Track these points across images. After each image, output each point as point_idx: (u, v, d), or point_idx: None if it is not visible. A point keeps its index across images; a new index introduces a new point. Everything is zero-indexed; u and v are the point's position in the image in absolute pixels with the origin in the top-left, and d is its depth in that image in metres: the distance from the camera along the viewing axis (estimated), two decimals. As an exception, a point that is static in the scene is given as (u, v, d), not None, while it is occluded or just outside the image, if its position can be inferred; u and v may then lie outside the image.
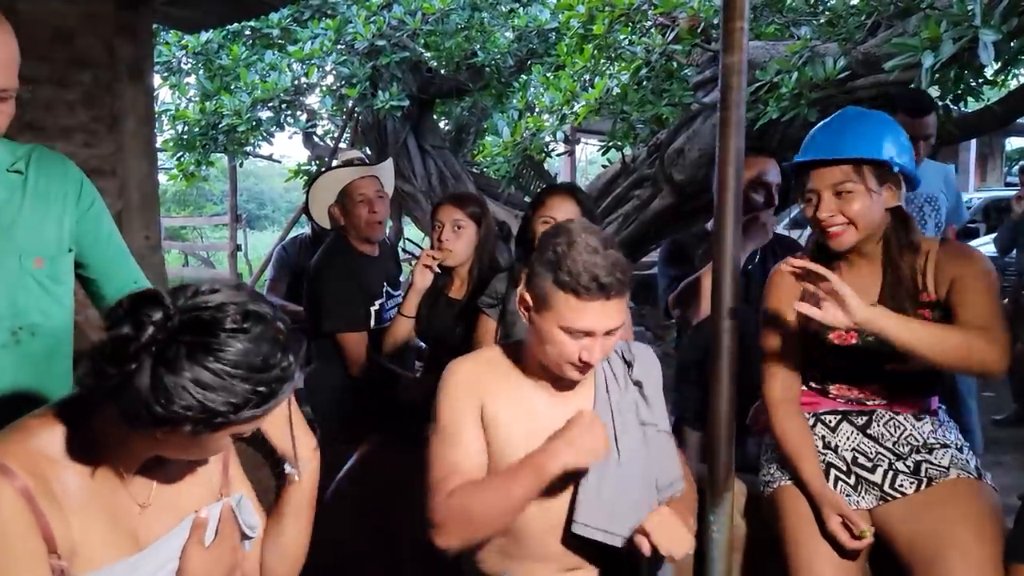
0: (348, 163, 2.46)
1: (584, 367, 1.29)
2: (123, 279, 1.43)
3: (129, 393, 0.85)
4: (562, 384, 1.38)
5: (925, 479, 1.50)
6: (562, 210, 1.94)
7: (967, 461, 1.52)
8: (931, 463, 1.51)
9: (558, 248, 1.27)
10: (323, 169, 2.46)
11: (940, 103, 3.66)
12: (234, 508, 1.08)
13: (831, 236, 1.49)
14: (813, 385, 1.64)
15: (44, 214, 1.32)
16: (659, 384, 1.48)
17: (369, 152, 7.27)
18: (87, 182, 1.41)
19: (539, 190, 2.15)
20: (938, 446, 1.53)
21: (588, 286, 1.23)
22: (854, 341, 1.54)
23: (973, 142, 11.74)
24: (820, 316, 1.36)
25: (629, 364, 1.45)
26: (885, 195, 1.48)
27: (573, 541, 1.39)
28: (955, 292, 1.45)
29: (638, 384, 1.44)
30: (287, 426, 1.11)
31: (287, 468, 1.13)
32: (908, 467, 1.51)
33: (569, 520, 1.38)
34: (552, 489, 1.36)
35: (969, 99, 3.64)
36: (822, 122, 1.59)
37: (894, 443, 1.54)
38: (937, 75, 3.11)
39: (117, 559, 0.96)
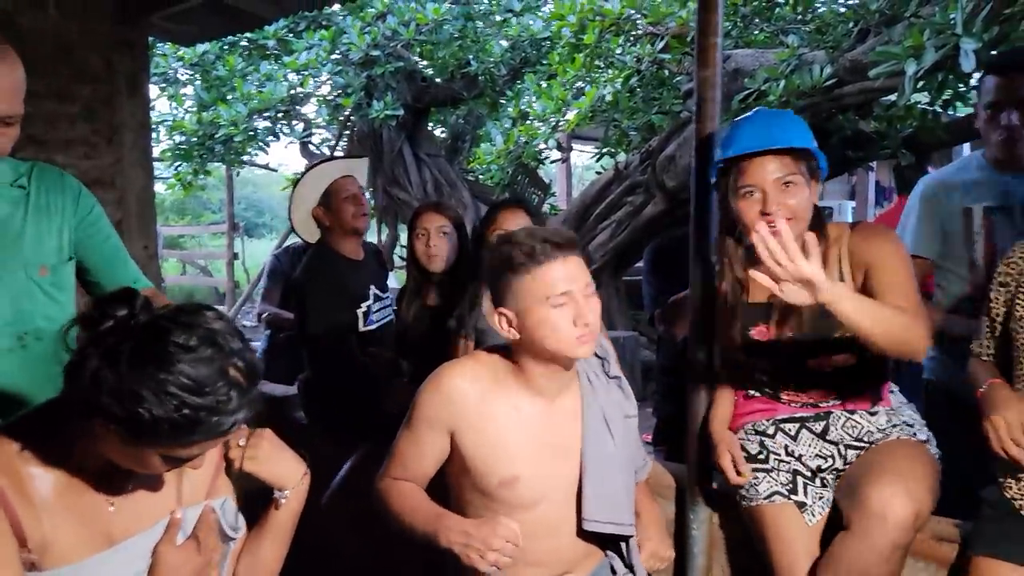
0: (322, 161, 2.49)
1: (587, 333, 1.29)
2: (123, 280, 1.48)
3: (77, 375, 0.90)
4: (550, 389, 1.41)
5: (869, 444, 1.53)
6: (513, 222, 1.96)
7: (914, 434, 1.53)
8: (880, 437, 1.53)
9: (502, 249, 1.31)
10: (299, 176, 2.47)
11: (928, 109, 3.73)
12: (216, 511, 1.11)
13: (774, 233, 1.42)
14: (767, 391, 1.62)
15: (46, 225, 1.37)
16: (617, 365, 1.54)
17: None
18: (85, 190, 1.46)
19: (489, 208, 2.19)
20: (890, 427, 1.55)
21: (541, 249, 1.26)
22: (773, 336, 1.53)
23: (966, 147, 11.81)
24: (779, 291, 1.28)
25: (602, 359, 1.49)
26: (813, 190, 1.46)
27: (565, 545, 1.43)
28: (874, 276, 1.44)
29: (616, 378, 1.49)
30: (275, 456, 1.15)
31: (276, 493, 1.18)
32: (864, 445, 1.55)
33: (562, 525, 1.42)
34: (550, 500, 1.40)
35: (959, 104, 3.70)
36: (739, 120, 1.54)
37: (853, 441, 1.56)
38: (922, 82, 3.17)
39: (88, 556, 1.00)
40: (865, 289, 1.44)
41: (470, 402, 1.37)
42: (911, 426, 1.55)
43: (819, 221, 1.50)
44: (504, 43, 6.64)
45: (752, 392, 1.64)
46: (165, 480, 1.09)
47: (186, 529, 1.08)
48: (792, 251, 1.24)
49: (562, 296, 1.27)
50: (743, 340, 1.54)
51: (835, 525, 1.47)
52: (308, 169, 2.49)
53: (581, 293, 1.28)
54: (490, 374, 1.40)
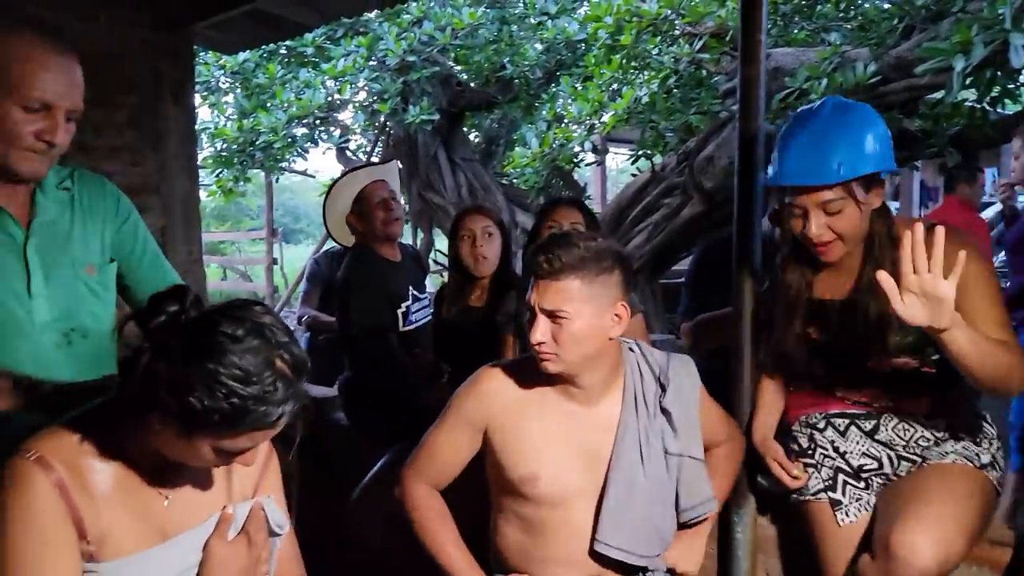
0: (352, 170, 2.53)
1: (541, 352, 1.32)
2: (159, 284, 1.50)
3: (131, 370, 0.92)
4: (581, 395, 1.40)
5: (920, 459, 1.48)
6: (568, 219, 2.00)
7: (976, 455, 1.45)
8: (937, 451, 1.48)
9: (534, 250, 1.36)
10: (329, 186, 2.54)
11: (976, 106, 3.62)
12: (264, 507, 1.13)
13: (821, 253, 1.42)
14: (821, 385, 1.60)
15: (91, 227, 1.41)
16: (693, 403, 1.45)
17: (401, 166, 7.40)
18: (123, 196, 1.50)
19: (544, 205, 2.21)
20: (949, 438, 1.49)
21: (540, 259, 1.30)
22: (830, 335, 1.50)
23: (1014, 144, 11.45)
24: (899, 306, 1.19)
25: (663, 388, 1.43)
26: (872, 199, 1.39)
27: (594, 550, 1.41)
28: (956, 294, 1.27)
29: (667, 412, 1.42)
30: None
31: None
32: (915, 458, 1.50)
33: (589, 533, 1.40)
34: (574, 502, 1.39)
35: (1007, 101, 3.59)
36: (794, 121, 1.43)
37: (904, 446, 1.52)
38: (969, 79, 3.09)
39: (143, 549, 1.02)
40: None
41: (504, 400, 1.41)
42: (978, 444, 1.47)
43: (887, 220, 1.42)
44: (539, 46, 6.64)
45: (805, 385, 1.63)
46: (216, 477, 1.12)
47: (236, 525, 1.10)
48: (937, 263, 1.15)
49: (530, 311, 1.32)
50: (800, 336, 1.51)
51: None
52: (339, 177, 2.53)
53: (541, 312, 1.30)
54: (527, 374, 1.41)
